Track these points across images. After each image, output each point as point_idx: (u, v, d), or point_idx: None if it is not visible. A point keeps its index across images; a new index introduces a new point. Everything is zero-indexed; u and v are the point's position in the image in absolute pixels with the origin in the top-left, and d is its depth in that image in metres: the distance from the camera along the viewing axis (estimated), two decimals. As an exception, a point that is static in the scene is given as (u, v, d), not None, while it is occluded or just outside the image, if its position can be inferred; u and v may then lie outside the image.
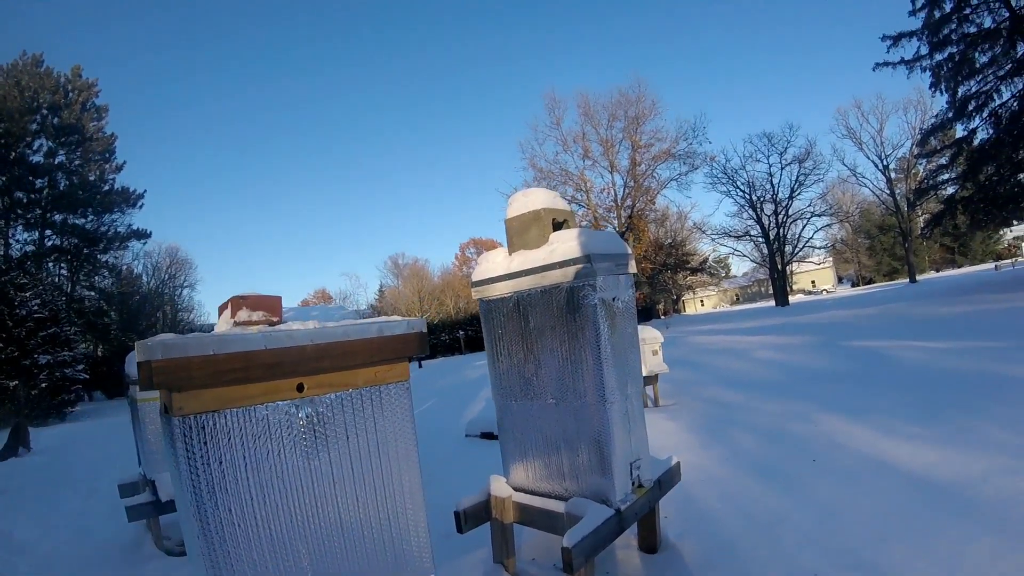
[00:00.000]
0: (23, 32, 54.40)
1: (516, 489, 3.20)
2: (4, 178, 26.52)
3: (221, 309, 2.09)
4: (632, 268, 3.04)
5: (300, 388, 1.60)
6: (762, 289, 68.04)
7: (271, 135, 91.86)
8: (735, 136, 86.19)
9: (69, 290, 27.81)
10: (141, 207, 31.82)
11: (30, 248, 27.69)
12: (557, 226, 3.08)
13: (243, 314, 1.91)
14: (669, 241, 40.75)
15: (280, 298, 2.01)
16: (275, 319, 1.94)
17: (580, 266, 2.72)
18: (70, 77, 30.06)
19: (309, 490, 1.62)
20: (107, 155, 31.14)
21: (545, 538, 3.42)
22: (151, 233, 32.45)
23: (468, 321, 41.92)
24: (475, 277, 3.27)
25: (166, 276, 36.91)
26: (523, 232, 3.08)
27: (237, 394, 1.50)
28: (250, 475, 1.51)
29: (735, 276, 72.09)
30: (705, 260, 45.98)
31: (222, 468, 1.47)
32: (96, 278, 30.17)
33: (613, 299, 2.83)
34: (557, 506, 2.91)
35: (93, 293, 29.64)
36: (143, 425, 4.55)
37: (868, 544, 2.83)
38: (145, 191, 32.04)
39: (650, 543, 3.18)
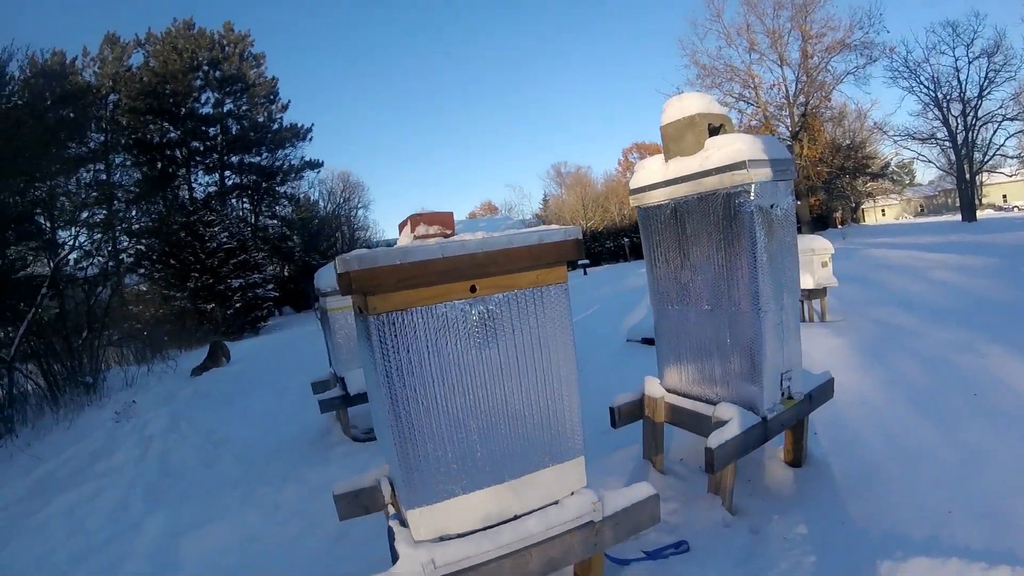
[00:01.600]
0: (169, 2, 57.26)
1: (669, 391, 3.28)
2: (180, 132, 28.75)
3: (401, 226, 2.28)
4: (792, 174, 2.90)
5: (472, 289, 1.84)
6: (948, 200, 59.84)
7: (430, 53, 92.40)
8: (915, 24, 75.23)
9: (253, 221, 30.14)
10: (311, 139, 33.27)
11: (212, 189, 30.02)
12: (713, 131, 2.98)
13: (421, 229, 2.10)
14: (847, 142, 36.10)
15: (452, 213, 2.19)
16: (448, 232, 2.12)
17: (736, 172, 2.66)
18: (223, 32, 31.48)
19: (480, 376, 1.88)
20: (271, 97, 32.65)
21: (693, 441, 3.45)
22: (323, 162, 33.92)
23: (632, 228, 39.94)
24: (632, 185, 3.28)
25: (341, 199, 38.40)
26: (678, 138, 3.02)
27: (420, 296, 1.77)
28: (431, 362, 1.81)
29: (920, 184, 63.58)
30: (887, 165, 40.21)
31: (409, 356, 1.77)
32: (276, 208, 32.22)
33: (771, 206, 2.75)
34: (706, 409, 2.97)
35: (275, 221, 31.84)
36: (333, 331, 5.19)
37: (1008, 493, 2.66)
38: (313, 124, 33.67)
39: (795, 456, 3.19)
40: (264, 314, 21.46)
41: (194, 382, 9.50)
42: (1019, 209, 51.10)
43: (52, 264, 10.17)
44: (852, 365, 4.81)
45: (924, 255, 12.19)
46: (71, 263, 11.32)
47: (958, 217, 37.76)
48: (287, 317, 25.28)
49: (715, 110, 3.01)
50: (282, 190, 32.76)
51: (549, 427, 2.00)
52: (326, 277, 5.21)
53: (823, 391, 3.19)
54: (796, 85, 33.54)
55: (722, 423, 2.75)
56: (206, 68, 30.32)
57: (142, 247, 19.59)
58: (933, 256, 11.72)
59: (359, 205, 41.09)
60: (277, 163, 32.21)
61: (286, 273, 28.58)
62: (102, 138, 16.22)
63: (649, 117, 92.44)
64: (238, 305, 20.00)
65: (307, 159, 33.09)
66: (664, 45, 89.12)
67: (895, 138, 36.85)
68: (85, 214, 12.38)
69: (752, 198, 2.66)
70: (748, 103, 33.70)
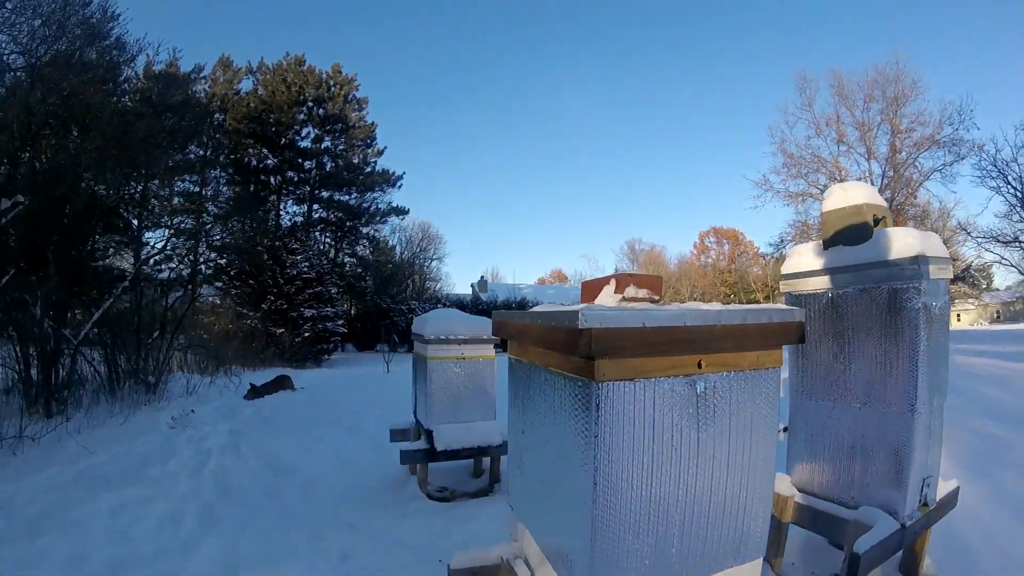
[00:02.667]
0: (286, 35, 61.76)
1: (799, 489, 3.11)
2: (277, 160, 30.23)
3: (591, 285, 2.13)
4: (950, 273, 2.86)
5: (699, 365, 1.70)
6: None
7: (517, 124, 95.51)
8: (1005, 121, 72.95)
9: (332, 256, 30.99)
10: (400, 187, 34.37)
11: (299, 219, 31.25)
12: (875, 223, 2.91)
13: (631, 290, 1.99)
14: None
15: (661, 278, 2.07)
16: (656, 297, 2.00)
17: (907, 267, 2.60)
18: (331, 73, 33.09)
19: (691, 460, 1.71)
20: (368, 141, 33.94)
21: (804, 542, 3.35)
22: (408, 210, 34.88)
23: None
24: (785, 270, 3.21)
25: (417, 248, 39.48)
26: (841, 227, 2.96)
27: (653, 365, 1.62)
28: (648, 440, 1.63)
29: (997, 289, 61.79)
30: (968, 267, 39.50)
31: (627, 431, 1.60)
32: (357, 247, 33.26)
33: (933, 304, 2.68)
34: (842, 512, 2.83)
35: (353, 260, 32.74)
36: (430, 380, 4.87)
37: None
38: (404, 173, 34.90)
39: (912, 566, 2.99)
40: (330, 347, 21.71)
41: (258, 404, 9.22)
42: (1104, 320, 48.09)
43: (136, 261, 10.19)
44: (956, 476, 4.52)
45: (1010, 364, 11.60)
46: (151, 263, 11.36)
47: None
48: (349, 354, 25.48)
49: (879, 201, 3.00)
50: (365, 231, 33.77)
51: (741, 522, 1.84)
52: (432, 326, 4.97)
53: (949, 500, 3.10)
54: (882, 180, 32.98)
55: (865, 528, 2.58)
56: (311, 104, 31.75)
57: (223, 262, 20.01)
58: (1018, 366, 11.13)
59: (434, 256, 42.12)
60: (364, 204, 33.26)
61: (353, 312, 29.02)
62: (202, 152, 16.78)
63: (729, 201, 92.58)
64: (307, 334, 20.24)
65: (393, 205, 34.15)
66: (750, 130, 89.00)
67: (978, 239, 35.39)
68: (174, 219, 12.57)
69: (920, 295, 2.60)
70: None
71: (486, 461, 5.19)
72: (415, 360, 5.45)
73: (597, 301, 2.01)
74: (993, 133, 51.34)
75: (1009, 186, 33.24)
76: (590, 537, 1.61)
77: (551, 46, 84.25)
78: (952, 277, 2.90)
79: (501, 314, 2.22)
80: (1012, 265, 37.06)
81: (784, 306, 1.89)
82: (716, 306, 1.76)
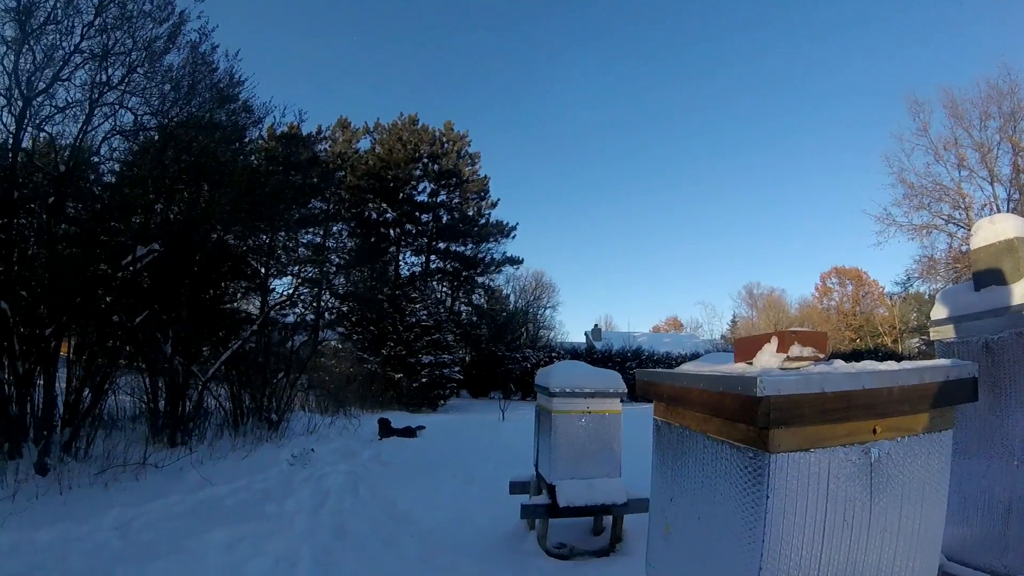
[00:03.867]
0: (400, 96, 65.18)
1: (949, 558, 2.82)
2: (396, 213, 31.61)
3: (745, 343, 2.02)
4: None
5: (874, 431, 1.58)
6: None
7: (631, 172, 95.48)
8: None
9: (449, 304, 31.79)
10: (514, 237, 34.97)
11: (417, 269, 32.46)
12: None
13: (795, 349, 1.84)
14: None
15: (826, 334, 1.95)
16: (822, 355, 1.84)
17: None
18: (443, 131, 34.65)
19: (862, 531, 1.57)
20: (482, 194, 35.12)
21: None
22: (523, 260, 35.48)
23: (834, 356, 37.27)
24: (934, 315, 3.03)
25: (531, 297, 40.22)
26: (992, 264, 2.77)
27: (826, 433, 1.50)
28: (821, 514, 1.51)
29: None
30: None
31: (800, 505, 1.48)
32: (473, 296, 34.17)
33: None
34: None
35: (469, 308, 33.61)
36: (555, 434, 4.80)
37: None
38: (517, 224, 35.19)
39: None
40: (446, 393, 22.04)
41: (376, 447, 9.41)
42: None
43: (263, 306, 10.74)
44: None
45: None
46: (278, 309, 11.94)
47: None
48: (464, 400, 25.82)
49: None
50: (480, 280, 34.55)
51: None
52: (558, 378, 4.91)
53: None
54: (1008, 204, 30.32)
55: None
56: (426, 160, 33.15)
57: (345, 308, 20.75)
58: None
59: (547, 305, 42.43)
60: (480, 255, 34.05)
61: (468, 359, 29.32)
62: (325, 207, 17.74)
63: (850, 240, 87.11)
64: (424, 379, 20.64)
65: (508, 255, 34.73)
66: (867, 162, 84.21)
67: None
68: (300, 268, 13.22)
69: None
70: (959, 225, 30.84)
71: (607, 519, 5.00)
72: (538, 412, 5.39)
73: (756, 361, 1.88)
74: None
75: None
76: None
77: (655, 91, 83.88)
78: None
79: (648, 374, 2.10)
80: None
81: (959, 361, 1.74)
82: (892, 365, 1.65)
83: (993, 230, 2.80)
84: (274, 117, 12.34)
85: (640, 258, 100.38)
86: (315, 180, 14.78)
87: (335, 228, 20.74)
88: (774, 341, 1.88)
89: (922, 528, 1.68)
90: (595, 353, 29.56)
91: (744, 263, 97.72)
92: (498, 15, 70.17)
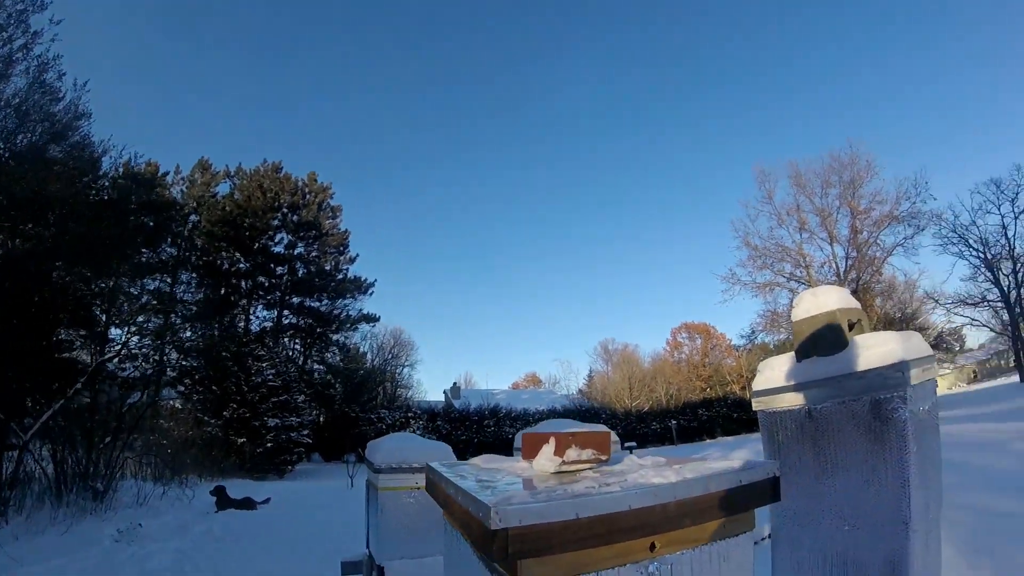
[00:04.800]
0: (264, 143, 63.03)
1: None
2: (249, 264, 30.34)
3: (532, 439, 1.89)
4: (936, 371, 2.71)
5: (652, 547, 1.43)
6: (1002, 363, 58.65)
7: (486, 230, 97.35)
8: (960, 187, 77.02)
9: (301, 363, 30.58)
10: (371, 294, 34.38)
11: (268, 324, 31.02)
12: (849, 328, 2.79)
13: (572, 453, 1.71)
14: (899, 315, 36.47)
15: (609, 433, 1.88)
16: (604, 457, 1.75)
17: (889, 375, 2.46)
18: (307, 181, 33.95)
19: None
20: (341, 248, 34.41)
21: None
22: (380, 317, 34.94)
23: (680, 410, 38.22)
24: (757, 386, 3.07)
25: (389, 355, 39.39)
26: (814, 336, 2.83)
27: (591, 557, 1.34)
28: None
29: (971, 349, 63.12)
30: (939, 335, 40.25)
31: None
32: (326, 354, 32.97)
33: (920, 409, 2.53)
34: None
35: (322, 367, 32.37)
36: (383, 512, 4.60)
37: None
38: (375, 280, 34.57)
39: None
40: (294, 459, 21.02)
41: (209, 520, 8.79)
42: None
43: (97, 357, 9.89)
44: (959, 565, 4.42)
45: (999, 426, 11.75)
46: (115, 362, 10.97)
47: (1015, 378, 36.27)
48: (315, 464, 24.64)
49: (852, 304, 2.86)
50: (335, 338, 33.58)
51: None
52: (384, 453, 4.69)
53: None
54: (847, 262, 34.51)
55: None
56: (285, 210, 32.33)
57: (187, 364, 19.50)
58: (1009, 426, 11.24)
59: (406, 363, 41.94)
60: (336, 311, 33.25)
61: (321, 420, 28.18)
62: (175, 252, 16.68)
63: (698, 297, 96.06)
64: (269, 445, 19.60)
65: (365, 312, 34.21)
66: (715, 225, 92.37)
67: (947, 305, 36.86)
68: (141, 318, 12.30)
69: (906, 403, 2.44)
70: (800, 283, 34.31)
71: None
72: (368, 487, 5.17)
73: (535, 464, 1.78)
74: (950, 201, 52.59)
75: (971, 249, 34.79)
76: None
77: (515, 147, 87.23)
78: (937, 375, 2.74)
79: (432, 471, 1.95)
80: (983, 324, 38.21)
81: (756, 461, 1.68)
82: (670, 475, 1.51)
83: (815, 302, 2.89)
84: (111, 157, 11.61)
85: (499, 316, 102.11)
86: (164, 221, 14.06)
87: (184, 276, 19.58)
88: (552, 443, 1.77)
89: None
90: (453, 412, 29.64)
91: (599, 320, 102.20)
92: (375, 68, 70.86)
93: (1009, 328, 35.58)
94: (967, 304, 36.68)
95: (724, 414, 29.36)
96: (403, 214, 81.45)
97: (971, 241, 35.01)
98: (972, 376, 67.29)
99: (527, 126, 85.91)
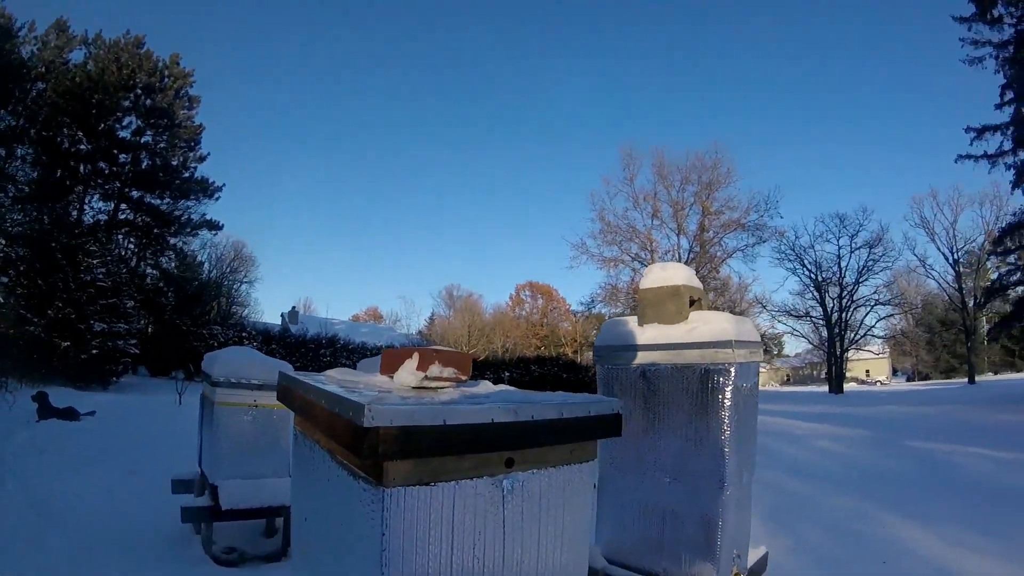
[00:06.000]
0: (128, 12, 56.52)
1: (610, 561, 3.11)
2: (92, 147, 27.59)
3: (392, 355, 1.89)
4: (761, 356, 3.02)
5: (510, 463, 1.51)
6: (814, 372, 66.20)
7: (348, 151, 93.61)
8: (807, 213, 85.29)
9: (134, 264, 28.37)
10: (218, 199, 32.39)
11: (102, 217, 28.51)
12: (690, 304, 3.06)
13: (435, 369, 1.75)
14: (726, 311, 40.05)
15: (471, 356, 1.85)
16: (464, 377, 1.79)
17: (721, 350, 2.72)
18: (168, 63, 31.05)
19: (495, 566, 1.49)
20: (192, 143, 31.94)
21: None
22: (223, 225, 33.04)
23: (515, 363, 37.60)
24: (599, 342, 3.25)
25: (227, 269, 37.71)
26: (658, 305, 3.06)
27: (452, 466, 1.40)
28: (444, 547, 1.40)
29: (787, 355, 70.41)
30: (763, 336, 44.46)
31: (422, 541, 1.37)
32: (162, 258, 30.76)
33: (743, 385, 2.81)
34: None
35: (156, 272, 30.11)
36: (217, 428, 4.42)
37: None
38: (224, 185, 32.56)
39: None
40: (120, 369, 19.63)
41: (31, 429, 8.32)
42: (881, 384, 57.42)
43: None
44: (757, 533, 4.95)
45: (801, 423, 13.41)
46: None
47: (824, 388, 42.19)
48: (141, 378, 23.05)
49: (696, 284, 3.13)
50: (173, 241, 31.47)
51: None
52: (222, 366, 4.51)
53: (760, 566, 3.20)
54: (689, 254, 37.08)
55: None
56: (140, 91, 29.60)
57: (13, 252, 17.84)
58: (810, 425, 13.01)
59: (245, 279, 40.55)
60: (177, 212, 31.11)
61: (150, 330, 26.25)
62: (13, 122, 14.83)
63: (546, 259, 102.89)
64: (95, 352, 18.06)
65: (208, 218, 32.24)
66: (572, 194, 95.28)
67: (773, 312, 41.37)
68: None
69: (731, 376, 2.71)
70: (642, 263, 36.27)
71: (279, 521, 4.68)
72: (203, 401, 4.94)
73: (396, 377, 1.83)
74: (795, 222, 59.85)
75: (805, 268, 39.85)
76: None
77: (397, 66, 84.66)
78: (761, 360, 3.05)
79: (287, 378, 1.95)
80: (803, 336, 43.15)
81: (602, 397, 1.80)
82: (530, 394, 1.64)
83: (663, 275, 3.10)
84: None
85: (347, 244, 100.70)
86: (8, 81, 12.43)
87: (20, 151, 17.34)
88: (415, 358, 1.82)
89: (564, 560, 1.64)
90: (289, 337, 28.41)
91: (448, 265, 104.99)
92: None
93: (826, 343, 40.80)
94: (792, 315, 41.57)
95: (555, 373, 30.33)
96: (265, 123, 77.13)
97: (806, 262, 40.46)
98: (785, 379, 75.31)
99: (404, 55, 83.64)
